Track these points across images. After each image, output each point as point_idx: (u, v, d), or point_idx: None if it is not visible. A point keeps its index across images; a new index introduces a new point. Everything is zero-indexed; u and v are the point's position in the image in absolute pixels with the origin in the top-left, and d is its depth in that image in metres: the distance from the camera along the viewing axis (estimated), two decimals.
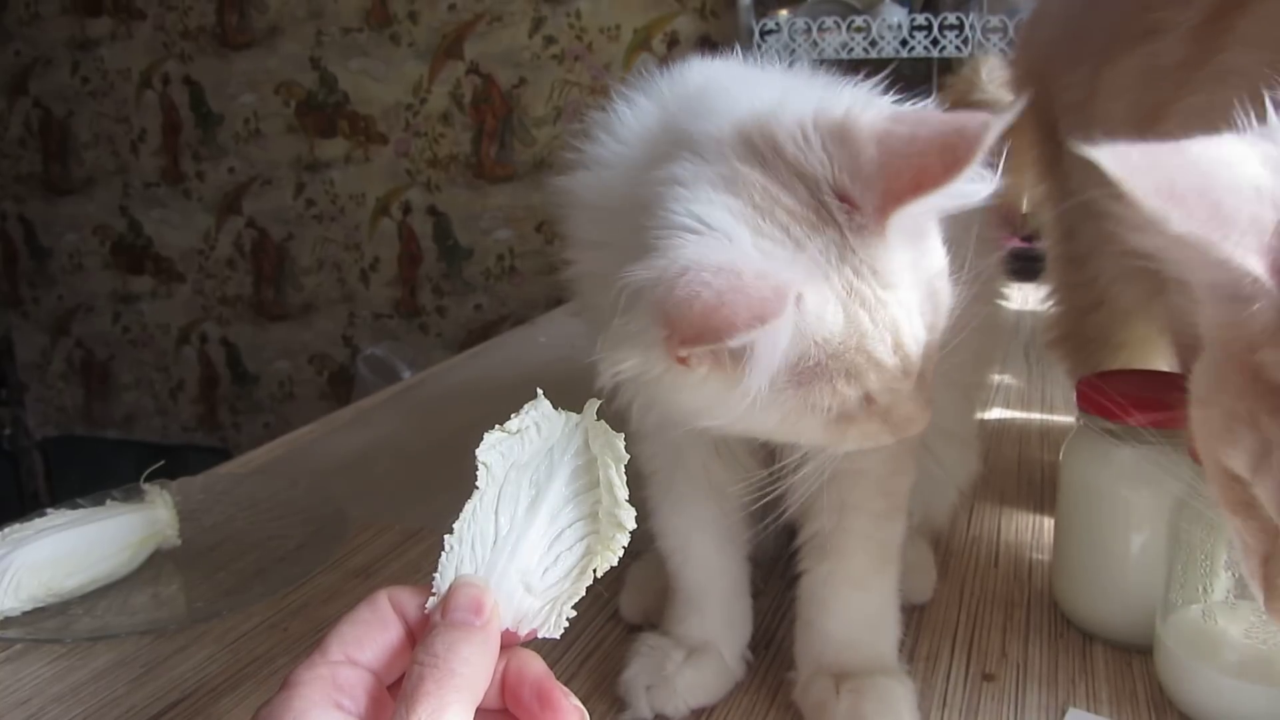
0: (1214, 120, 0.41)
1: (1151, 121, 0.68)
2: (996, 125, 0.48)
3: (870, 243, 0.51)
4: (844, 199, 0.51)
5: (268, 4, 3.33)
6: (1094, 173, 0.37)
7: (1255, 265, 0.36)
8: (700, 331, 0.45)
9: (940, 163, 0.49)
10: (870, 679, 0.66)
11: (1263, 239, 0.36)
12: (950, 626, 0.78)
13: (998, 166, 0.51)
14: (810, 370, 0.50)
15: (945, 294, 0.56)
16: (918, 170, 0.49)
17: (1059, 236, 1.04)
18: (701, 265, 0.46)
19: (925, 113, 0.53)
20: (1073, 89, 0.86)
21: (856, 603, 0.69)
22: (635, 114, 0.62)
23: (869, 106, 0.53)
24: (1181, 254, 0.39)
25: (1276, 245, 0.36)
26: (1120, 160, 0.36)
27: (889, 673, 0.68)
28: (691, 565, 0.72)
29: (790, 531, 0.71)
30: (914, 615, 0.78)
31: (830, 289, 0.50)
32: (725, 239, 0.49)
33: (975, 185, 0.51)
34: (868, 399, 0.53)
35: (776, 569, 0.80)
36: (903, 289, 0.52)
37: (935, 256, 0.55)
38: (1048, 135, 0.97)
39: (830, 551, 0.68)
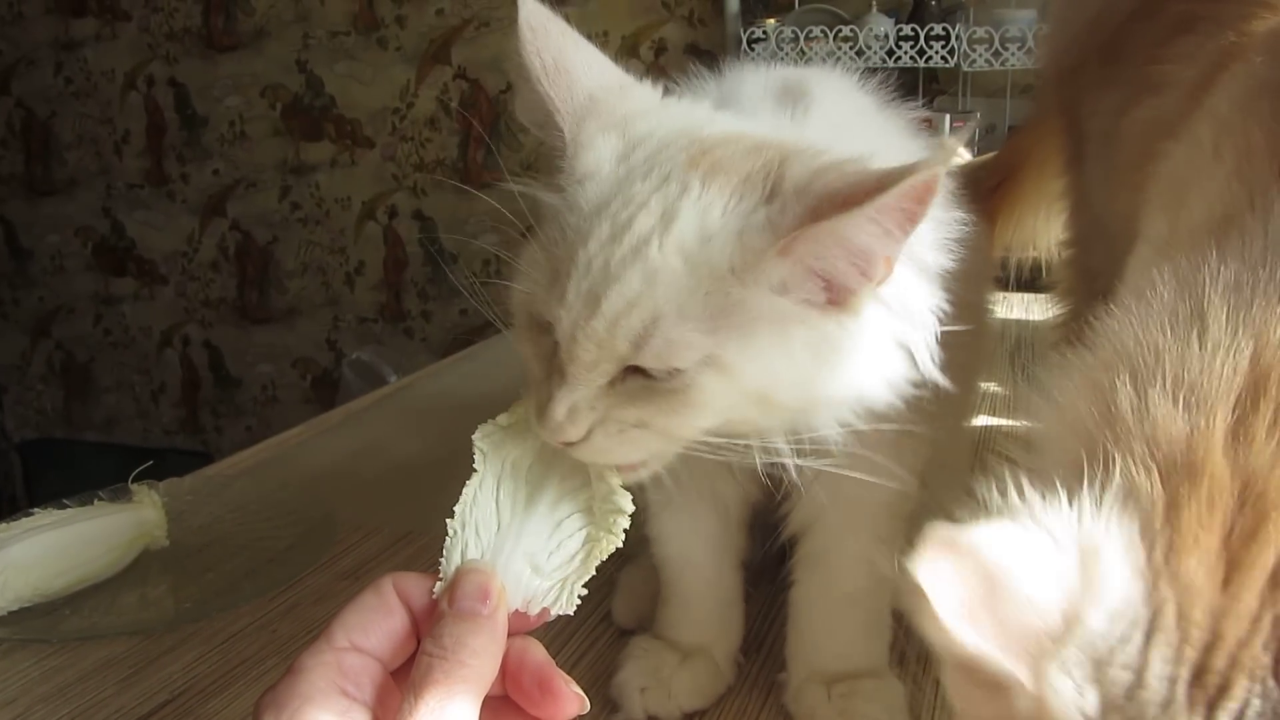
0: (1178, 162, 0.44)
1: (1145, 161, 0.70)
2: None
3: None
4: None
5: (254, 6, 3.32)
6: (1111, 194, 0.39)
7: (1024, 676, 0.40)
8: None
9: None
10: (860, 682, 0.67)
11: (1028, 650, 0.40)
12: None
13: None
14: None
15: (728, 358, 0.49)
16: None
17: (1074, 239, 1.02)
18: None
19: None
20: (1100, 116, 0.87)
21: (849, 617, 0.69)
22: None
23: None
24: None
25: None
26: (931, 576, 0.40)
27: (879, 675, 0.68)
28: (687, 573, 0.72)
29: (779, 537, 0.72)
30: (905, 618, 0.78)
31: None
32: None
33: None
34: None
35: (766, 572, 0.80)
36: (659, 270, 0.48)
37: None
38: (1073, 131, 0.97)
39: (824, 567, 0.68)
